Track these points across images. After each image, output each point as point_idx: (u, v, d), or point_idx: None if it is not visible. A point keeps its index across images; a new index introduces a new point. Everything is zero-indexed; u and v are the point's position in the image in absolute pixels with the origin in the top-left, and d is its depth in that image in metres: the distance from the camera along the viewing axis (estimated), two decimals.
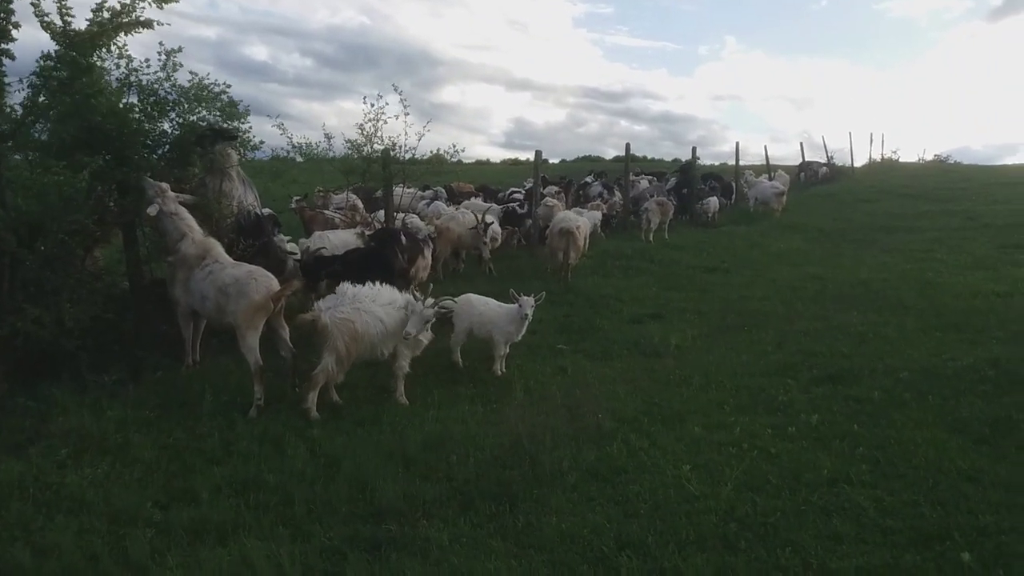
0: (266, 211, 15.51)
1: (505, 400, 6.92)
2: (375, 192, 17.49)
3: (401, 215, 13.64)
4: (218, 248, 7.14)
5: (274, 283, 6.73)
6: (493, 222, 12.71)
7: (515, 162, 50.67)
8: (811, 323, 9.59)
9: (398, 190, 18.60)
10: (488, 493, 5.00)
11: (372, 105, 10.73)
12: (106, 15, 7.09)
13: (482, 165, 45.72)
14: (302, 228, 13.92)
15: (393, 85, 10.99)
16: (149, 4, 7.24)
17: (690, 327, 9.60)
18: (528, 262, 14.21)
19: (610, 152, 51.58)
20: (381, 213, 13.82)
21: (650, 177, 26.27)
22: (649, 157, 48.06)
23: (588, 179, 25.75)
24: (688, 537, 4.40)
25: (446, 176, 17.55)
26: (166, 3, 7.31)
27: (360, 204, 15.64)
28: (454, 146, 11.98)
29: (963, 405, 6.47)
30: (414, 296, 6.75)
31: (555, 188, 21.16)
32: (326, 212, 14.53)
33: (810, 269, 13.76)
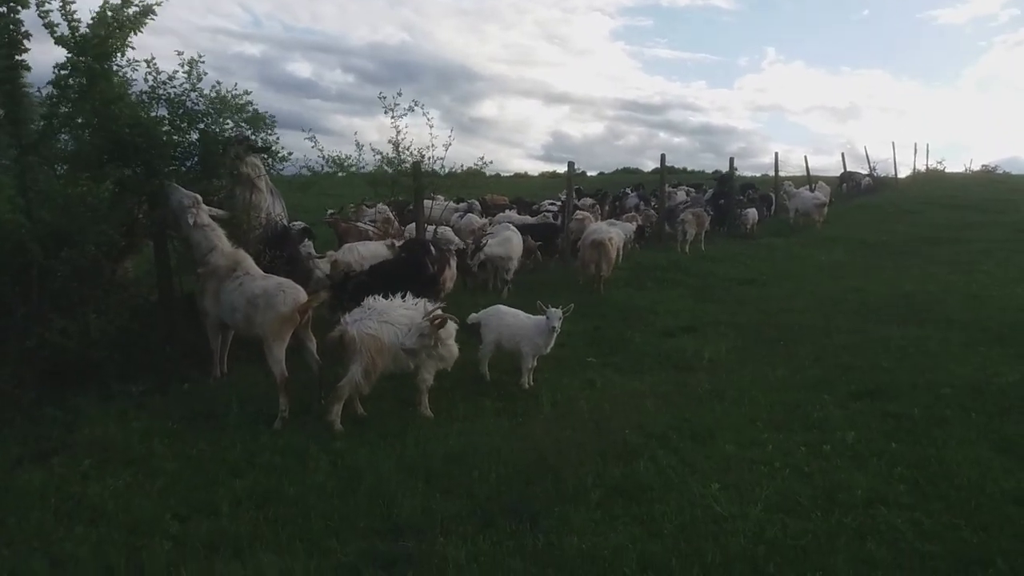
0: (299, 224, 15.76)
1: (531, 414, 6.80)
2: (409, 205, 17.55)
3: (432, 227, 13.66)
4: (248, 260, 7.16)
5: (302, 295, 6.71)
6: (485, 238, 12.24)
7: (553, 175, 50.73)
8: (850, 337, 9.32)
9: (428, 202, 18.74)
10: (509, 509, 4.87)
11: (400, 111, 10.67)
12: (109, 14, 7.10)
13: (520, 178, 45.89)
14: (336, 241, 13.99)
15: (414, 100, 10.59)
16: None
17: (724, 340, 9.39)
18: (560, 275, 14.09)
19: (649, 164, 51.36)
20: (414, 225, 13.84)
21: (687, 189, 26.05)
22: (689, 169, 47.84)
23: (626, 190, 25.64)
24: (714, 560, 4.22)
25: (479, 189, 17.45)
26: None
27: (393, 216, 15.68)
28: (482, 159, 11.82)
29: (1009, 423, 6.20)
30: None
31: (590, 200, 21.09)
32: (360, 224, 14.60)
33: (851, 281, 13.45)
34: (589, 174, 48.48)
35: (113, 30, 7.14)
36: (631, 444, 5.93)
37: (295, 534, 4.66)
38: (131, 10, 7.27)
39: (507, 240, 12.04)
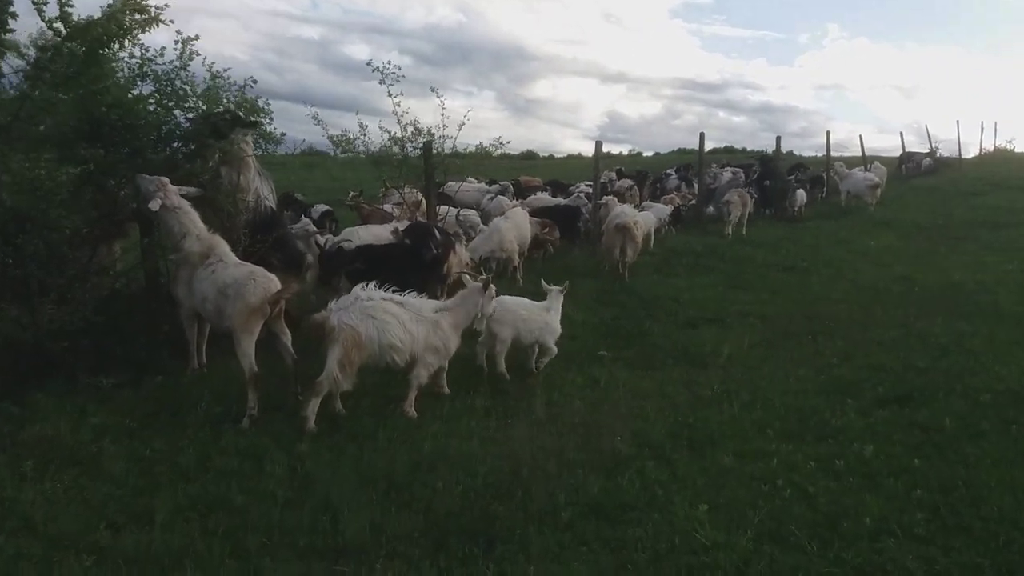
0: (323, 207, 15.41)
1: (523, 415, 6.27)
2: (441, 188, 17.04)
3: (454, 210, 13.17)
4: (223, 246, 6.72)
5: (273, 285, 6.25)
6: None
7: (608, 155, 49.67)
8: (887, 331, 8.54)
9: (462, 184, 18.25)
10: (467, 530, 4.37)
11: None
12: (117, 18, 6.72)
13: (574, 159, 44.90)
14: (360, 224, 13.58)
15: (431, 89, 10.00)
16: None
17: (749, 334, 8.71)
18: (583, 260, 13.45)
19: (707, 144, 49.73)
20: (443, 208, 13.32)
21: (733, 169, 25.00)
22: (749, 149, 46.21)
23: (669, 171, 24.77)
24: None
25: (497, 171, 16.96)
26: None
27: (423, 199, 15.21)
28: (499, 139, 11.32)
29: None
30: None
31: (628, 182, 20.35)
32: (385, 207, 14.17)
33: (898, 269, 12.56)
34: (645, 154, 47.32)
35: (109, 28, 6.77)
36: (620, 454, 5.36)
37: (230, 550, 4.24)
38: (137, 16, 6.91)
39: (493, 232, 11.22)
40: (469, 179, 19.41)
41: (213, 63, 7.76)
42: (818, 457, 5.24)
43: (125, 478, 5.08)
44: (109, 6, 6.84)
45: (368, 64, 10.06)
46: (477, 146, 11.12)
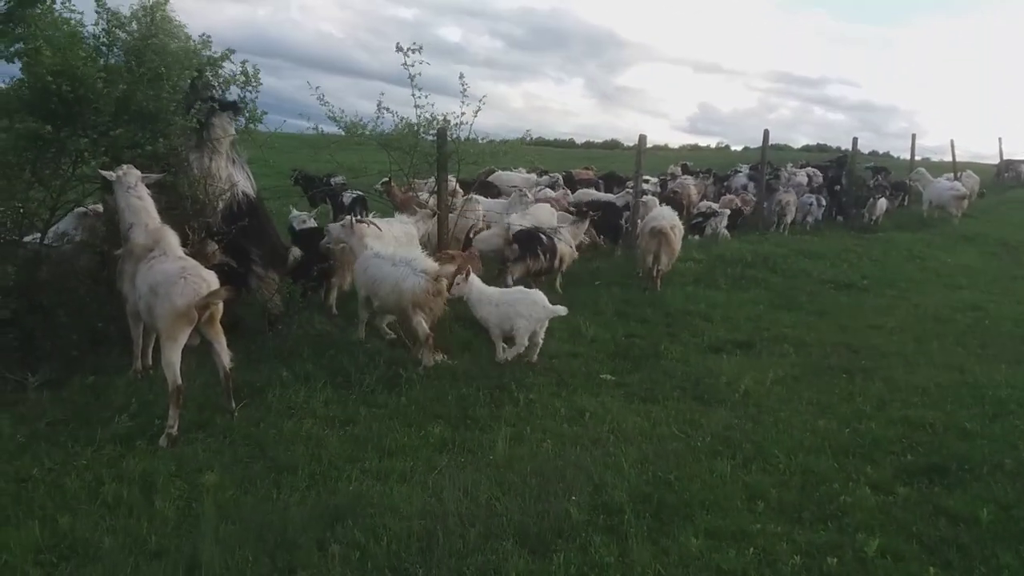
0: (355, 193, 14.77)
1: (481, 453, 5.42)
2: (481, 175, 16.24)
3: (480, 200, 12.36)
4: (170, 238, 6.03)
5: (204, 287, 5.51)
6: None
7: (695, 147, 47.97)
8: (938, 375, 7.30)
9: (510, 174, 17.44)
10: None
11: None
12: None
13: (660, 150, 43.19)
14: (393, 213, 12.89)
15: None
16: None
17: (778, 365, 7.59)
18: (619, 264, 12.42)
19: (800, 140, 47.54)
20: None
21: (810, 171, 23.36)
22: (843, 148, 43.90)
23: (738, 168, 23.35)
24: None
25: (515, 160, 16.36)
26: None
27: (459, 188, 14.41)
28: (528, 132, 10.66)
29: None
30: None
31: (691, 179, 19.17)
32: (421, 194, 13.46)
33: (970, 295, 11.13)
34: (734, 148, 45.51)
35: None
36: (567, 520, 4.43)
37: None
38: None
39: (494, 235, 10.43)
40: (519, 169, 18.62)
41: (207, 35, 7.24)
42: (809, 548, 4.21)
43: None
44: None
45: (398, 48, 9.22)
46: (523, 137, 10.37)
